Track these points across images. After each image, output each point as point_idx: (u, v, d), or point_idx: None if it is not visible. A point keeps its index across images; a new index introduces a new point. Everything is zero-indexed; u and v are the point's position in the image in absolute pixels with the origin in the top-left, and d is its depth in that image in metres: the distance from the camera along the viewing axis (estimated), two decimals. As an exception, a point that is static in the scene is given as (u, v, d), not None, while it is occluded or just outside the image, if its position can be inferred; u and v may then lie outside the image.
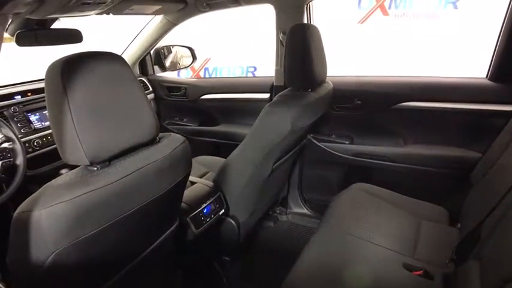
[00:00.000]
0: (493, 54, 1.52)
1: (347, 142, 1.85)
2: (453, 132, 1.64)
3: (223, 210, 1.41)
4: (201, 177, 1.63)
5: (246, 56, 3.77)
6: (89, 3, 1.23)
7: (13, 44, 1.29)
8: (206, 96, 2.16)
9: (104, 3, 1.27)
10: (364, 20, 3.44)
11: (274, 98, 1.36)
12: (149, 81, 2.23)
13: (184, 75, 3.29)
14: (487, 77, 1.57)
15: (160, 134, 0.89)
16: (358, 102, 1.76)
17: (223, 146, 2.11)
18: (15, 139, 1.31)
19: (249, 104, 2.05)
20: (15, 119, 1.46)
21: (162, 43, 2.17)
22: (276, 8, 1.72)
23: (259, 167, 1.37)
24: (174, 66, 2.32)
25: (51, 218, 0.65)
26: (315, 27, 1.39)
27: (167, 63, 2.26)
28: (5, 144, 1.28)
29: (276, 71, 1.86)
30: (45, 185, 0.71)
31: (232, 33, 3.74)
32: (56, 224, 0.66)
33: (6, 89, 1.56)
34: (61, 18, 1.42)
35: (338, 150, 1.85)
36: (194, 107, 2.23)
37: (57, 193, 0.67)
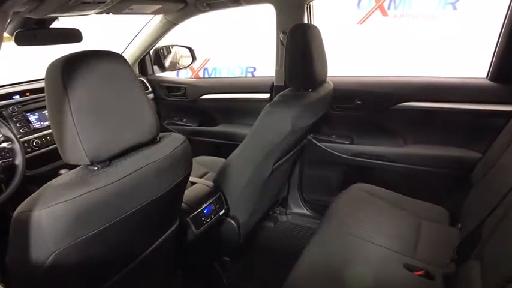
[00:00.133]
0: (493, 54, 1.53)
1: (347, 142, 1.85)
2: (453, 132, 1.64)
3: (223, 211, 1.41)
4: (201, 177, 1.63)
5: (245, 56, 3.77)
6: (88, 3, 1.22)
7: (12, 43, 1.28)
8: (206, 96, 2.16)
9: (104, 2, 1.26)
10: (364, 21, 3.44)
11: (275, 98, 1.35)
12: (149, 81, 2.23)
13: (183, 76, 3.28)
14: (487, 77, 1.57)
15: (161, 134, 0.89)
16: (358, 102, 1.76)
17: (223, 146, 2.10)
18: (14, 139, 1.30)
19: (249, 104, 2.05)
20: (14, 118, 1.45)
21: (161, 43, 2.17)
22: (276, 8, 1.71)
23: (260, 167, 1.36)
24: (174, 66, 2.31)
25: (51, 218, 0.65)
26: (315, 27, 1.39)
27: (167, 63, 2.25)
28: (4, 144, 1.28)
29: (276, 71, 1.85)
30: (45, 185, 0.70)
31: (231, 33, 3.74)
32: (56, 224, 0.66)
33: (4, 88, 1.55)
34: (60, 18, 1.42)
35: (338, 150, 1.84)
36: (194, 107, 2.23)
37: (57, 193, 0.67)
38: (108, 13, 1.49)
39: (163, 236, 1.03)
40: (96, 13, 1.42)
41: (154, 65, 2.27)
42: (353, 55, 3.12)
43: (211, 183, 1.44)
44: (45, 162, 1.51)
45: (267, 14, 1.85)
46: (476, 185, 1.36)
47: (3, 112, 1.44)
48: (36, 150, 1.46)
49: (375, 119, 1.78)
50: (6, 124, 1.35)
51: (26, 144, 1.41)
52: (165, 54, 2.24)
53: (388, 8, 3.37)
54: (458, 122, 1.61)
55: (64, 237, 0.67)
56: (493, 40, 1.54)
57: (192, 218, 1.26)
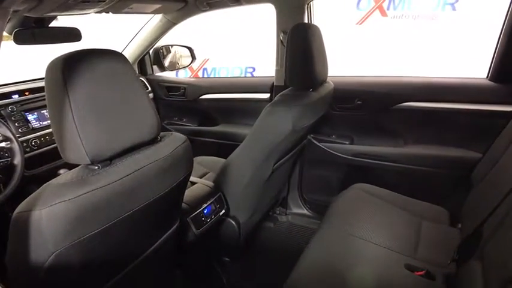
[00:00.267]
0: (493, 54, 1.53)
1: (347, 142, 1.84)
2: (453, 133, 1.64)
3: (223, 211, 1.40)
4: (200, 177, 1.62)
5: (244, 56, 3.77)
6: (88, 2, 1.22)
7: (11, 42, 1.28)
8: (205, 96, 2.15)
9: (103, 1, 1.26)
10: (363, 21, 3.45)
11: (275, 98, 1.35)
12: (148, 81, 2.22)
13: (182, 76, 3.28)
14: (487, 77, 1.57)
15: (162, 133, 0.89)
16: (359, 102, 1.75)
17: (223, 147, 2.10)
18: (13, 138, 1.29)
19: (249, 104, 2.04)
20: (12, 118, 1.44)
21: (161, 43, 2.16)
22: (276, 8, 1.71)
23: (260, 167, 1.36)
24: (173, 66, 2.31)
25: (51, 217, 0.64)
26: (316, 27, 1.39)
27: (166, 63, 2.25)
28: (3, 144, 1.27)
29: (277, 70, 1.85)
30: (45, 184, 0.70)
31: (230, 33, 3.74)
32: (56, 224, 0.65)
33: (3, 88, 1.54)
34: (59, 17, 1.41)
35: (338, 150, 1.84)
36: (193, 107, 2.22)
37: (58, 192, 0.66)
38: (108, 12, 1.48)
39: (164, 236, 1.02)
40: (96, 12, 1.42)
41: (154, 64, 2.26)
42: (352, 55, 3.13)
43: (211, 183, 1.43)
44: (44, 162, 1.50)
45: (267, 14, 1.85)
46: (477, 185, 1.35)
47: (2, 111, 1.43)
48: (35, 150, 1.46)
49: (375, 119, 1.77)
50: (5, 123, 1.34)
51: (24, 144, 1.40)
52: (165, 53, 2.24)
53: (388, 9, 3.38)
54: (458, 122, 1.61)
55: (64, 238, 0.67)
56: (492, 41, 1.54)
57: (192, 218, 1.25)
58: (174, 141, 0.89)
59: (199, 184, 1.42)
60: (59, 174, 1.39)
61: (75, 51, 0.72)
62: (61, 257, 0.67)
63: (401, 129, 1.77)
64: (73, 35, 1.43)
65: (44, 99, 1.56)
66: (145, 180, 0.79)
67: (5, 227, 0.71)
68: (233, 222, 1.46)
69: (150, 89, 2.22)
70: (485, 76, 1.60)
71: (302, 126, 1.32)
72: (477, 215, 1.12)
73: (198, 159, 1.85)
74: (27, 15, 1.20)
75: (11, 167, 1.26)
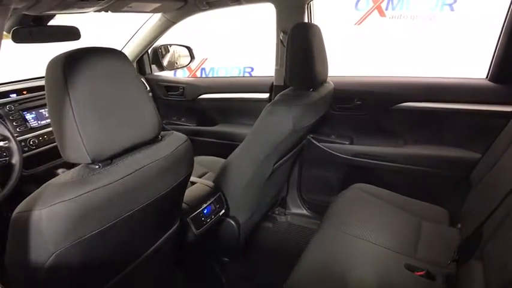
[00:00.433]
0: (493, 55, 1.53)
1: (347, 142, 1.84)
2: (453, 133, 1.64)
3: (223, 211, 1.40)
4: (199, 177, 1.61)
5: (243, 56, 3.77)
6: (87, 0, 1.21)
7: (10, 41, 1.27)
8: (204, 96, 2.15)
9: (103, 0, 1.25)
10: (361, 22, 3.45)
11: (276, 98, 1.34)
12: (147, 80, 2.21)
13: (180, 75, 3.27)
14: (487, 77, 1.57)
15: (162, 133, 0.88)
16: (358, 102, 1.75)
17: (222, 146, 2.09)
18: (11, 138, 1.28)
19: (248, 104, 2.04)
20: (10, 117, 1.43)
21: (160, 42, 2.15)
22: (276, 7, 1.70)
23: (260, 167, 1.35)
24: (172, 66, 2.30)
25: (51, 217, 0.63)
26: (316, 27, 1.38)
27: (165, 62, 2.24)
28: (0, 143, 1.26)
29: (276, 70, 1.84)
30: (45, 184, 0.69)
31: (229, 33, 3.73)
32: (56, 224, 0.64)
33: (1, 87, 1.53)
34: (57, 16, 1.40)
35: (338, 150, 1.84)
36: (192, 106, 2.22)
37: (58, 192, 0.65)
38: (107, 11, 1.47)
39: (164, 236, 1.02)
40: (95, 11, 1.41)
41: (153, 64, 2.25)
42: (350, 56, 3.13)
43: (211, 183, 1.43)
44: (42, 162, 1.49)
45: (265, 14, 1.84)
46: (476, 185, 1.36)
47: (0, 111, 1.42)
48: (33, 149, 1.45)
49: (374, 119, 1.77)
50: (3, 123, 1.33)
51: (22, 144, 1.39)
52: (163, 53, 2.23)
53: (386, 9, 3.39)
54: (458, 123, 1.61)
55: (65, 238, 0.66)
56: (490, 41, 1.54)
57: (192, 218, 1.24)
58: (175, 140, 0.88)
59: (199, 184, 1.41)
60: (57, 174, 1.39)
61: (75, 50, 0.71)
62: (61, 257, 0.67)
63: (401, 130, 1.77)
64: (72, 33, 1.42)
65: (42, 99, 1.57)
66: (147, 179, 0.79)
67: (4, 227, 0.71)
68: (233, 223, 1.45)
69: (148, 88, 2.21)
70: (484, 76, 1.60)
71: (302, 126, 1.32)
72: (477, 215, 1.12)
73: (197, 159, 1.84)
74: (26, 13, 1.19)
75: (9, 166, 1.25)
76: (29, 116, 1.49)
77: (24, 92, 1.55)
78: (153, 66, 2.26)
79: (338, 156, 1.84)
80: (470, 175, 1.46)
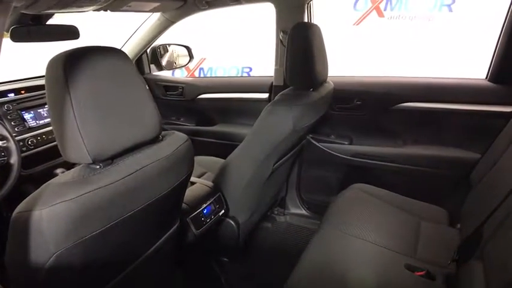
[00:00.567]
0: (492, 55, 1.53)
1: (346, 142, 1.84)
2: (452, 133, 1.64)
3: (223, 211, 1.39)
4: (198, 177, 1.61)
5: (241, 56, 3.77)
6: (86, -1, 1.20)
7: (8, 39, 1.25)
8: (203, 96, 2.14)
9: (102, -1, 1.24)
10: (360, 22, 3.46)
11: (276, 97, 1.34)
12: (145, 80, 2.20)
13: (178, 75, 3.26)
14: (486, 78, 1.58)
15: (163, 132, 0.88)
16: (358, 102, 1.75)
17: (221, 146, 2.08)
18: (9, 137, 1.27)
19: (247, 104, 2.03)
20: (8, 117, 1.42)
21: (158, 42, 2.14)
22: (276, 7, 1.70)
23: (260, 167, 1.35)
24: (171, 65, 2.29)
25: (52, 217, 0.63)
26: (316, 26, 1.38)
27: (163, 62, 2.23)
28: (-1, 143, 1.25)
29: (276, 70, 1.84)
30: (45, 184, 0.68)
31: (227, 33, 3.73)
32: (57, 224, 0.64)
33: (-1, 86, 1.52)
34: (55, 15, 1.39)
35: (337, 150, 1.84)
36: (191, 106, 2.21)
37: (59, 192, 0.65)
38: (106, 10, 1.46)
39: (165, 236, 1.01)
40: (94, 10, 1.40)
41: (151, 63, 2.24)
42: (349, 56, 3.13)
43: (210, 183, 1.42)
44: (41, 162, 1.48)
45: (264, 14, 1.84)
46: (476, 185, 1.36)
47: (-2, 110, 1.41)
48: (32, 149, 1.43)
49: (374, 119, 1.77)
50: (1, 122, 1.32)
51: (21, 143, 1.38)
52: (162, 53, 2.22)
53: (385, 9, 3.39)
54: (457, 123, 1.62)
55: (65, 238, 0.65)
56: (488, 42, 1.55)
57: (192, 218, 1.24)
58: (175, 140, 0.88)
59: (198, 184, 1.41)
60: (56, 174, 1.38)
61: (76, 48, 0.70)
62: (62, 257, 0.66)
63: (401, 130, 1.77)
64: (71, 32, 1.40)
65: (41, 98, 1.56)
66: (148, 179, 0.78)
67: (3, 227, 0.70)
68: (232, 223, 1.45)
69: (147, 88, 2.20)
70: (482, 76, 1.60)
71: (302, 126, 1.32)
72: (477, 215, 1.12)
73: (195, 159, 1.81)
74: (25, 12, 1.18)
75: (8, 166, 1.24)
76: (27, 116, 1.48)
77: (23, 92, 1.54)
78: (152, 66, 2.25)
79: (337, 156, 1.84)
80: (470, 175, 1.46)
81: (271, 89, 1.90)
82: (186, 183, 0.97)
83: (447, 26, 3.10)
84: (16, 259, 0.69)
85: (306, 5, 1.69)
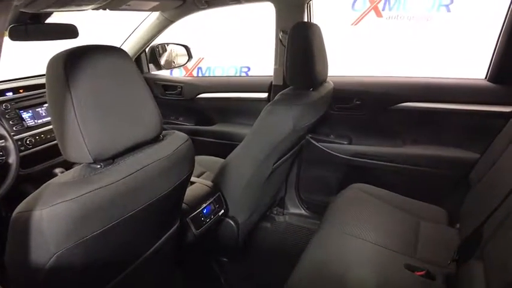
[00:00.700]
0: (492, 55, 1.54)
1: (345, 142, 1.84)
2: (452, 133, 1.64)
3: (222, 211, 1.39)
4: (198, 177, 1.60)
5: (239, 56, 3.76)
6: (85, -3, 1.20)
7: (7, 38, 1.24)
8: (202, 95, 2.13)
9: (101, -3, 1.23)
10: (358, 22, 3.46)
11: (276, 97, 1.34)
12: (144, 79, 2.18)
13: (176, 75, 3.25)
14: (485, 78, 1.58)
15: (164, 132, 0.87)
16: (357, 102, 1.75)
17: (220, 146, 2.08)
18: (8, 137, 1.26)
19: (247, 103, 2.03)
20: (6, 116, 1.41)
21: (157, 41, 2.13)
22: (276, 7, 1.70)
23: (260, 167, 1.35)
24: (169, 65, 2.28)
25: (53, 217, 0.62)
26: (316, 26, 1.38)
27: (162, 61, 2.22)
28: (-3, 142, 1.24)
29: (275, 70, 1.84)
30: (45, 183, 0.68)
31: (226, 32, 3.72)
32: (57, 224, 0.63)
33: (-3, 85, 1.51)
34: (54, 14, 1.38)
35: (336, 150, 1.84)
36: (190, 106, 2.20)
37: (59, 192, 0.64)
38: (105, 9, 1.46)
39: (165, 236, 1.01)
40: (93, 9, 1.39)
41: (150, 63, 2.23)
42: (347, 56, 3.13)
43: (210, 183, 1.42)
44: (39, 161, 1.47)
45: (264, 14, 1.84)
46: (475, 185, 1.36)
47: (-4, 109, 1.40)
48: (30, 148, 1.42)
49: (373, 119, 1.78)
50: None
51: (19, 143, 1.37)
52: (161, 52, 2.21)
53: (383, 9, 3.39)
54: (456, 123, 1.62)
55: (66, 238, 0.65)
56: (486, 42, 1.55)
57: (191, 218, 1.23)
58: (176, 139, 0.87)
59: (198, 184, 1.40)
60: (55, 173, 1.37)
61: (76, 47, 0.70)
62: (63, 258, 0.66)
63: (400, 130, 1.78)
64: (70, 32, 1.40)
65: (39, 97, 1.55)
66: (149, 179, 0.78)
67: (2, 227, 0.69)
68: (232, 223, 1.45)
69: (148, 87, 2.19)
70: (481, 76, 1.61)
71: (302, 125, 1.32)
72: (476, 215, 1.12)
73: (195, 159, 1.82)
74: (23, 10, 1.18)
75: (6, 166, 1.23)
76: (25, 115, 1.47)
77: (21, 91, 1.53)
78: (151, 65, 2.24)
79: (337, 156, 1.84)
80: (469, 175, 1.47)
81: (271, 88, 1.90)
82: (186, 183, 0.97)
83: (445, 26, 3.10)
84: (16, 259, 0.68)
85: (306, 4, 1.69)
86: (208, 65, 3.97)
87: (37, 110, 1.52)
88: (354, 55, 3.24)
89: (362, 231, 1.31)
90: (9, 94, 1.49)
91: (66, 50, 0.68)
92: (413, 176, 1.71)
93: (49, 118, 1.52)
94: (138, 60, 2.19)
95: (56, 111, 0.68)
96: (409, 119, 1.71)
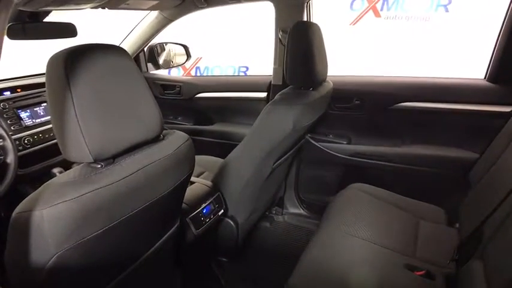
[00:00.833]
0: (491, 55, 1.54)
1: (345, 142, 1.84)
2: (451, 133, 1.65)
3: (222, 211, 1.38)
4: (197, 177, 1.60)
5: (238, 55, 3.75)
6: (84, -4, 1.19)
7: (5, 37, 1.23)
8: (201, 95, 2.13)
9: (100, -4, 1.23)
10: (356, 22, 3.46)
11: (276, 97, 1.34)
12: None
13: (174, 74, 3.24)
14: (485, 78, 1.59)
15: (164, 131, 0.87)
16: (357, 102, 1.75)
17: (219, 146, 2.08)
18: (6, 136, 1.25)
19: (245, 103, 2.03)
20: (4, 115, 1.40)
21: (155, 40, 2.13)
22: (275, 6, 1.70)
23: (260, 167, 1.35)
24: (168, 64, 2.27)
25: (53, 218, 0.62)
26: (316, 25, 1.38)
27: (161, 60, 2.21)
28: (-5, 142, 1.22)
29: (274, 69, 1.84)
30: (46, 183, 0.67)
31: (224, 32, 3.71)
32: (58, 225, 0.63)
33: (-5, 84, 1.50)
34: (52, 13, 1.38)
35: (336, 150, 1.84)
36: (189, 105, 2.20)
37: (60, 192, 0.64)
38: (104, 8, 1.45)
39: (165, 236, 1.01)
40: (92, 7, 1.38)
41: (148, 62, 2.22)
42: (345, 56, 3.13)
43: (210, 183, 1.42)
44: (37, 161, 1.46)
45: (262, 13, 1.83)
46: (474, 185, 1.36)
47: (-7, 109, 1.39)
48: (28, 148, 1.41)
49: (373, 118, 1.78)
50: None
51: (17, 142, 1.36)
52: (159, 51, 2.20)
53: (381, 9, 3.39)
54: (456, 123, 1.62)
55: (67, 239, 0.64)
56: (484, 42, 1.56)
57: (191, 218, 1.23)
58: (177, 139, 0.87)
59: (197, 184, 1.40)
60: (53, 173, 1.36)
61: (76, 46, 0.69)
62: (63, 258, 0.65)
63: (399, 129, 1.78)
64: (68, 30, 1.39)
65: (37, 96, 1.54)
66: (149, 179, 0.77)
67: (1, 228, 0.69)
68: (231, 223, 1.45)
69: (148, 86, 2.18)
70: (480, 75, 1.61)
71: (303, 125, 1.32)
72: (476, 215, 1.13)
73: (194, 158, 1.82)
74: (22, 9, 1.17)
75: (4, 165, 1.21)
76: (23, 115, 1.46)
77: (19, 90, 1.51)
78: (149, 65, 2.23)
79: (336, 155, 1.84)
80: (468, 175, 1.47)
81: (270, 88, 1.89)
82: (186, 182, 0.97)
83: (443, 26, 3.11)
84: (16, 260, 0.68)
85: (306, 4, 1.69)
86: (206, 64, 3.96)
87: (35, 109, 1.50)
88: (352, 55, 3.24)
89: (361, 230, 1.31)
90: (7, 93, 1.47)
91: (67, 48, 0.68)
92: (412, 175, 1.71)
93: (47, 117, 1.51)
94: (136, 59, 2.18)
95: (56, 110, 0.67)
96: (408, 118, 1.71)
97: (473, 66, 1.74)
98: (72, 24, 1.40)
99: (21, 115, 1.45)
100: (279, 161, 1.43)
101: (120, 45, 1.97)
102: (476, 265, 0.97)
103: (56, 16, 1.40)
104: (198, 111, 2.22)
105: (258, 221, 1.81)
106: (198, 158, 1.84)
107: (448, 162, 1.62)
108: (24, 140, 1.40)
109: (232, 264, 1.63)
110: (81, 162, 0.71)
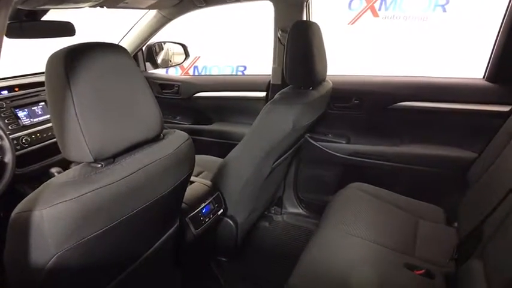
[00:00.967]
0: (490, 55, 1.54)
1: (344, 141, 1.84)
2: (450, 132, 1.65)
3: (221, 210, 1.38)
4: (196, 176, 1.59)
5: (236, 54, 3.75)
6: (82, -5, 1.18)
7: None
8: (200, 94, 2.12)
9: (99, -5, 1.22)
10: (354, 21, 3.47)
11: (276, 96, 1.33)
12: None
13: (172, 74, 3.23)
14: (484, 77, 1.59)
15: (164, 131, 0.87)
16: (356, 101, 1.75)
17: (217, 145, 2.07)
18: (4, 136, 1.24)
19: (244, 102, 2.02)
20: (2, 114, 1.39)
21: (153, 39, 2.12)
22: (275, 5, 1.70)
23: (259, 166, 1.34)
24: (166, 63, 2.26)
25: (53, 218, 0.61)
26: (316, 25, 1.38)
27: (159, 60, 2.20)
28: (-8, 141, 1.21)
29: (273, 69, 1.83)
30: (45, 183, 0.66)
31: (222, 31, 3.71)
32: (58, 225, 0.62)
33: (-8, 83, 1.49)
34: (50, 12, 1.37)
35: (335, 149, 1.84)
36: (187, 105, 2.19)
37: (60, 191, 0.63)
38: (103, 6, 1.44)
39: (165, 236, 1.00)
40: (90, 6, 1.37)
41: (147, 61, 2.21)
42: (344, 55, 3.13)
43: (209, 182, 1.41)
44: (35, 161, 1.45)
45: (261, 13, 1.83)
46: (473, 184, 1.37)
47: (-9, 108, 1.38)
48: (26, 147, 1.40)
49: (372, 118, 1.78)
50: None
51: (15, 142, 1.35)
52: (157, 50, 2.20)
53: (379, 9, 3.40)
54: (454, 122, 1.63)
55: (67, 239, 0.64)
56: (482, 42, 1.56)
57: (191, 217, 1.22)
58: (177, 139, 0.87)
59: (197, 183, 1.39)
60: (51, 173, 1.35)
61: (77, 44, 0.69)
62: (63, 258, 0.65)
63: (398, 129, 1.78)
64: (66, 29, 1.38)
65: (35, 96, 1.53)
66: (150, 178, 0.77)
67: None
68: (231, 222, 1.44)
69: (148, 85, 2.17)
70: (477, 75, 1.62)
71: (302, 125, 1.32)
72: (475, 214, 1.13)
73: (192, 158, 1.81)
74: (20, 7, 1.16)
75: (2, 165, 1.20)
76: (21, 114, 1.45)
77: (16, 89, 1.50)
78: (147, 64, 2.22)
79: (335, 155, 1.84)
80: (467, 174, 1.47)
81: (269, 87, 1.89)
82: (186, 182, 0.96)
83: (441, 26, 3.12)
84: (16, 260, 0.67)
85: (305, 3, 1.68)
86: (204, 63, 3.96)
87: (33, 108, 1.49)
88: (350, 54, 3.24)
89: (361, 230, 1.31)
90: (5, 92, 1.46)
91: (66, 47, 0.67)
92: (411, 175, 1.72)
93: (45, 117, 1.50)
94: (134, 58, 2.16)
95: (55, 109, 0.67)
96: (407, 118, 1.71)
97: (471, 66, 1.75)
98: (71, 23, 1.39)
99: (18, 114, 1.44)
100: (279, 160, 1.43)
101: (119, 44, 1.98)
102: (475, 264, 0.97)
103: (53, 15, 1.39)
104: (197, 111, 2.21)
105: (257, 220, 1.81)
106: (197, 157, 1.82)
107: (447, 162, 1.63)
108: (22, 140, 1.39)
109: (232, 263, 1.63)
110: (81, 162, 0.71)
